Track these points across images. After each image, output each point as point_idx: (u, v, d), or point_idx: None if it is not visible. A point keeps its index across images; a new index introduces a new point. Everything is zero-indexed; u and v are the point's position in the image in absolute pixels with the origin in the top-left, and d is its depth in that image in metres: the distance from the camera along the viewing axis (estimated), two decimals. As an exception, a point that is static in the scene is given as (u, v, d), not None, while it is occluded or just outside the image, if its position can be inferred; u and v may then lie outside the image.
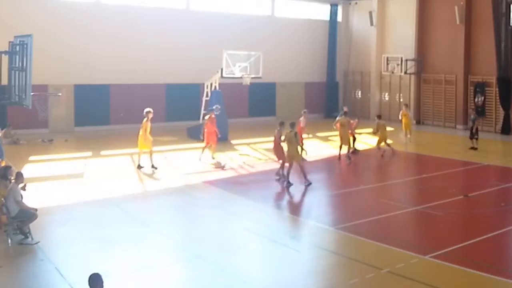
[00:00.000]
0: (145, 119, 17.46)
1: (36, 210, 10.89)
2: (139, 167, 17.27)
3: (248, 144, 22.81)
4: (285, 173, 15.41)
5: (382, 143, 19.94)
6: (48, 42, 23.21)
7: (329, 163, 19.62)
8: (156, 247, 10.46)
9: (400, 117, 23.30)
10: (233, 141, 22.84)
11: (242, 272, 9.37)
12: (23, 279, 8.93)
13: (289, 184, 15.15)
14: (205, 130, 19.13)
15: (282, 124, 16.16)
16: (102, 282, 6.37)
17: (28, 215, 10.67)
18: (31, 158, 18.99)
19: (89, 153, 20.07)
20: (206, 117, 19.47)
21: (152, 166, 17.21)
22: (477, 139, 21.53)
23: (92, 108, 25.62)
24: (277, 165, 16.85)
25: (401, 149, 22.11)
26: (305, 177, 15.13)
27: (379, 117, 20.84)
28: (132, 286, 8.53)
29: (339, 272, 9.45)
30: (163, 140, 22.98)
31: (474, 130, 21.51)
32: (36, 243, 10.29)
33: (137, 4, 27.18)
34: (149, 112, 17.59)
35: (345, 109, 21.97)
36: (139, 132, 17.51)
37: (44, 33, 22.58)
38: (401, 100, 31.19)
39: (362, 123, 27.51)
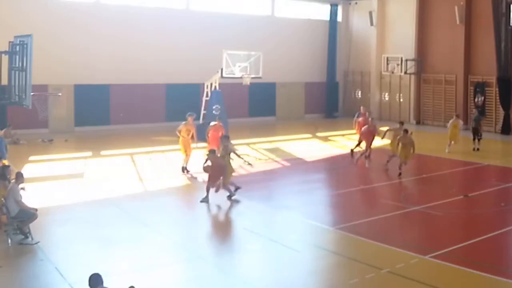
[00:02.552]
0: (185, 122, 16.87)
1: (36, 210, 10.90)
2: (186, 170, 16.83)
3: (248, 144, 22.79)
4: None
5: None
6: (48, 42, 23.21)
7: (329, 163, 19.61)
8: (156, 247, 10.46)
9: (449, 126, 21.34)
10: (233, 141, 22.78)
11: (242, 272, 9.37)
12: (23, 279, 8.94)
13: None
14: (209, 135, 18.02)
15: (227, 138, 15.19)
16: (102, 282, 6.37)
17: (28, 215, 10.67)
18: (31, 158, 18.99)
19: (89, 153, 20.07)
20: (212, 123, 18.35)
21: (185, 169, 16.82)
22: (479, 140, 21.18)
23: (92, 108, 25.62)
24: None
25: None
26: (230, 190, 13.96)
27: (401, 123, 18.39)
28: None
29: (339, 272, 9.45)
30: (161, 140, 23.02)
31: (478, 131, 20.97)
32: (36, 243, 10.29)
33: (137, 4, 27.17)
34: (191, 115, 17.18)
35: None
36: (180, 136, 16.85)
37: (44, 33, 22.58)
38: (401, 100, 31.22)
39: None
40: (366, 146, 18.85)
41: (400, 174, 16.72)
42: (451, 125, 21.08)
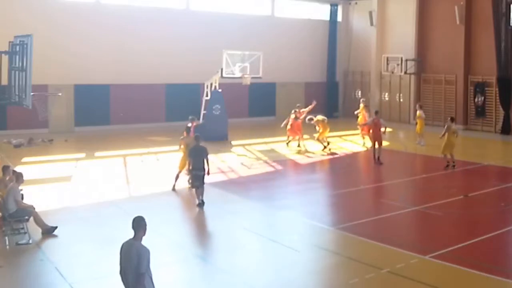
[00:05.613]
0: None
1: (33, 208, 10.97)
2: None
3: (248, 144, 22.78)
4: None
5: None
6: (48, 42, 23.18)
7: (328, 163, 19.60)
8: (156, 247, 10.41)
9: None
10: (233, 142, 22.85)
11: (242, 272, 9.36)
12: (23, 279, 8.94)
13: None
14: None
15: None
16: (145, 224, 6.37)
17: (27, 214, 10.73)
18: (31, 158, 18.99)
19: (89, 153, 20.05)
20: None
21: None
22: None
23: (92, 108, 25.62)
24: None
25: (400, 149, 22.13)
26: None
27: (451, 119, 18.30)
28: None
29: (339, 272, 9.44)
30: (159, 140, 23.05)
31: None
32: (34, 243, 10.29)
33: (137, 4, 27.16)
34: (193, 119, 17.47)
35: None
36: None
37: (44, 33, 22.56)
38: (401, 100, 31.20)
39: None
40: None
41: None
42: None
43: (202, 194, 13.09)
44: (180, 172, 14.87)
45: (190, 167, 13.13)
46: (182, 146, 14.99)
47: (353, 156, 20.04)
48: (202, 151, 12.98)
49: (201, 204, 13.01)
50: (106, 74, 25.80)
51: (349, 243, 10.89)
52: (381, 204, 13.70)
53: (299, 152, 20.73)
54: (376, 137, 18.70)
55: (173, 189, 14.74)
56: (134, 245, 6.29)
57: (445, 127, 17.84)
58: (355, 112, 24.17)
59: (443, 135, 17.70)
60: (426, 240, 10.98)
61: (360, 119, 23.51)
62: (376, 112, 19.87)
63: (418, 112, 22.80)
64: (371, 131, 19.37)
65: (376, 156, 18.61)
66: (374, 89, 32.41)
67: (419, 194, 15.17)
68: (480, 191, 14.98)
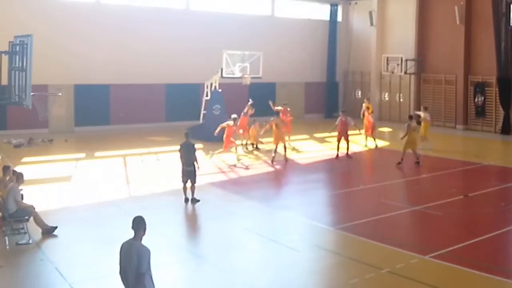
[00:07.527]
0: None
1: (33, 208, 10.97)
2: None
3: (248, 144, 22.73)
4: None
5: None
6: (48, 42, 23.19)
7: (328, 164, 19.60)
8: (156, 247, 10.40)
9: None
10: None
11: (242, 272, 9.37)
12: (23, 279, 8.94)
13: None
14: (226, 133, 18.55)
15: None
16: (145, 224, 6.40)
17: (27, 214, 10.73)
18: (31, 158, 18.99)
19: (89, 153, 20.06)
20: (229, 122, 18.68)
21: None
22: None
23: (92, 108, 25.61)
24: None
25: (400, 149, 22.10)
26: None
27: (410, 118, 18.94)
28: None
29: (339, 272, 9.45)
30: (159, 140, 23.04)
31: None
32: (34, 243, 10.29)
33: (137, 4, 27.17)
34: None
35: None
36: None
37: (44, 33, 22.56)
38: (401, 100, 31.19)
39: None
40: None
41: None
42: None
43: (193, 191, 13.41)
44: (276, 147, 18.24)
45: (181, 162, 13.65)
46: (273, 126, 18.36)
47: (353, 156, 20.01)
48: (191, 148, 13.53)
49: (194, 201, 13.36)
50: (106, 74, 25.80)
51: (349, 243, 10.89)
52: (381, 204, 13.69)
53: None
54: (343, 135, 19.55)
55: (272, 161, 18.30)
56: (134, 245, 6.30)
57: (406, 126, 18.40)
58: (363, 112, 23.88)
59: (405, 135, 18.27)
60: (426, 240, 10.98)
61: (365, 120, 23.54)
62: (343, 112, 20.29)
63: (423, 114, 21.67)
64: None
65: (345, 153, 19.45)
66: (374, 89, 32.42)
67: (419, 194, 15.17)
68: (480, 191, 14.99)
